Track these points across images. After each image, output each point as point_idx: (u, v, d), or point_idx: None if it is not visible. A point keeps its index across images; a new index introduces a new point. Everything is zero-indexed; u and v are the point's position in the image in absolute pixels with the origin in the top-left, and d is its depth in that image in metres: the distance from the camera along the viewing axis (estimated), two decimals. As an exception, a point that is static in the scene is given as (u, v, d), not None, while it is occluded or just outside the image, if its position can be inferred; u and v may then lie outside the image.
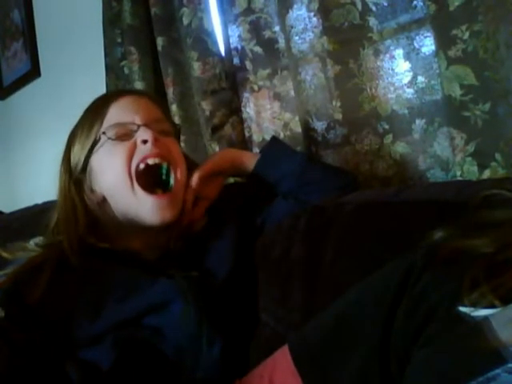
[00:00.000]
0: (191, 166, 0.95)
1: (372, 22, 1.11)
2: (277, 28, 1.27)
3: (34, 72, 2.10)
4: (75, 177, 0.88)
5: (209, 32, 1.35)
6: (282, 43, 1.26)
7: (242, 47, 1.34)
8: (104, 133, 0.85)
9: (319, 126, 1.20)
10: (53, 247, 0.84)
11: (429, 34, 1.03)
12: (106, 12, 1.54)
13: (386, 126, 1.12)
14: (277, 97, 1.31)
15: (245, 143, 1.38)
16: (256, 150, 1.37)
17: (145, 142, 0.84)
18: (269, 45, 1.30)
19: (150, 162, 0.84)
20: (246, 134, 1.38)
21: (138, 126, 0.85)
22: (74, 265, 0.80)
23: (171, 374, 0.77)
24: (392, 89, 1.10)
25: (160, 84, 1.46)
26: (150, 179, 0.85)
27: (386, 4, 1.09)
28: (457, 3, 0.93)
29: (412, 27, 1.06)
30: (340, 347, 0.59)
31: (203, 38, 1.34)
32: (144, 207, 0.84)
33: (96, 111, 0.87)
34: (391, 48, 1.10)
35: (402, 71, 1.09)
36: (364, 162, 1.15)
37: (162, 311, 0.79)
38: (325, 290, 0.81)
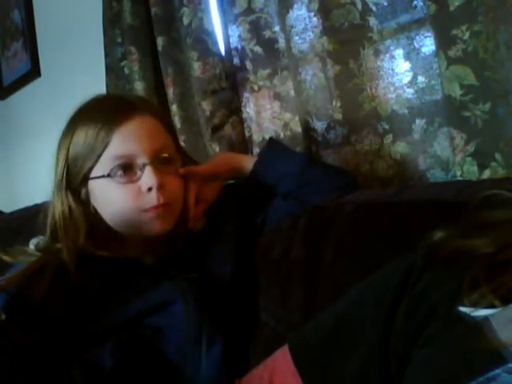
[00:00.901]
0: (192, 163, 0.96)
1: (372, 21, 1.11)
2: (277, 28, 1.27)
3: (34, 72, 2.10)
4: (74, 186, 0.86)
5: (209, 32, 1.35)
6: (282, 43, 1.26)
7: (242, 47, 1.34)
8: (109, 175, 0.83)
9: (319, 126, 1.20)
10: (52, 252, 0.84)
11: (429, 34, 1.03)
12: (106, 12, 1.54)
13: (386, 126, 1.12)
14: (277, 97, 1.31)
15: (245, 143, 1.38)
16: (256, 149, 1.37)
17: (150, 189, 0.83)
18: (269, 45, 1.30)
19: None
20: (246, 134, 1.38)
21: (144, 165, 0.83)
22: (72, 273, 0.80)
23: (172, 374, 0.77)
24: (392, 89, 1.10)
25: (160, 84, 1.46)
26: None
27: (386, 4, 1.09)
28: (457, 3, 0.93)
29: (412, 27, 1.06)
30: (340, 347, 0.59)
31: (203, 38, 1.34)
32: (142, 221, 0.84)
33: (99, 133, 0.83)
34: (391, 48, 1.10)
35: (402, 71, 1.09)
36: (364, 162, 1.15)
37: (163, 312, 0.79)
38: (325, 290, 0.81)
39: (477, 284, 0.50)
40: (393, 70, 1.10)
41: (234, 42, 1.35)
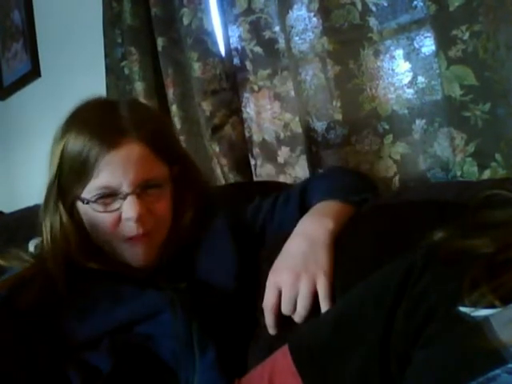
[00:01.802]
0: (192, 168, 0.95)
1: (372, 22, 1.11)
2: (277, 28, 1.27)
3: (34, 72, 2.10)
4: (67, 202, 0.85)
5: (209, 32, 1.35)
6: (282, 43, 1.26)
7: (242, 47, 1.34)
8: (88, 202, 0.82)
9: (319, 126, 1.20)
10: (43, 261, 0.84)
11: (429, 35, 1.03)
12: (107, 12, 1.54)
13: (386, 127, 1.12)
14: (277, 97, 1.31)
15: (245, 143, 1.38)
16: (256, 150, 1.37)
17: (128, 219, 0.82)
18: (269, 45, 1.30)
19: None
20: (247, 135, 1.38)
21: (126, 195, 0.81)
22: (61, 283, 0.81)
23: (168, 377, 0.77)
24: (392, 89, 1.10)
25: (160, 84, 1.46)
26: None
27: (386, 4, 1.09)
28: (457, 3, 0.93)
29: (412, 27, 1.06)
30: (340, 347, 0.59)
31: (203, 39, 1.34)
32: (123, 248, 0.85)
33: (89, 155, 0.81)
34: (391, 48, 1.10)
35: (402, 71, 1.09)
36: (364, 162, 1.15)
37: (152, 321, 0.80)
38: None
39: (477, 284, 0.50)
40: (393, 70, 1.10)
41: (234, 42, 1.35)
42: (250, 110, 1.37)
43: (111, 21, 1.53)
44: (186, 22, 1.36)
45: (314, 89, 1.18)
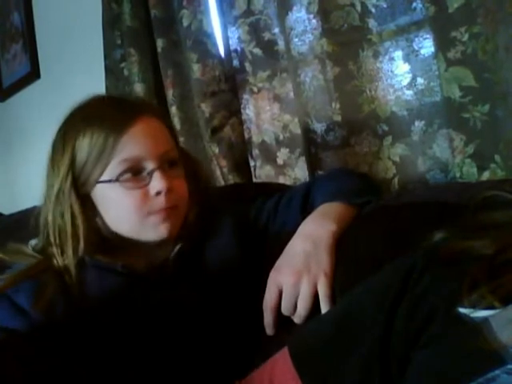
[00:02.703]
0: (192, 164, 0.95)
1: (371, 23, 1.11)
2: (276, 30, 1.27)
3: (33, 74, 2.10)
4: (80, 192, 0.85)
5: (208, 34, 1.35)
6: (281, 45, 1.26)
7: (242, 49, 1.34)
8: (117, 179, 0.82)
9: (319, 127, 1.20)
10: (50, 258, 0.84)
11: (428, 36, 1.03)
12: (106, 14, 1.54)
13: (386, 128, 1.12)
14: (276, 98, 1.31)
15: (244, 145, 1.38)
16: (256, 151, 1.37)
17: (158, 193, 0.83)
18: (268, 47, 1.30)
19: None
20: (246, 136, 1.38)
21: (152, 170, 0.82)
22: (73, 280, 0.81)
23: (173, 375, 0.77)
24: (391, 90, 1.10)
25: (160, 86, 1.46)
26: None
27: (385, 6, 1.09)
28: (456, 5, 0.94)
29: (411, 29, 1.07)
30: (340, 348, 0.59)
31: (203, 40, 1.34)
32: (147, 225, 0.84)
33: (107, 139, 0.82)
34: (390, 50, 1.10)
35: (401, 73, 1.09)
36: (363, 163, 1.15)
37: (159, 319, 0.80)
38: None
39: (476, 285, 0.50)
40: (392, 71, 1.10)
41: (234, 43, 1.36)
42: (249, 111, 1.37)
43: (111, 22, 1.53)
44: (185, 23, 1.36)
45: (313, 90, 1.18)
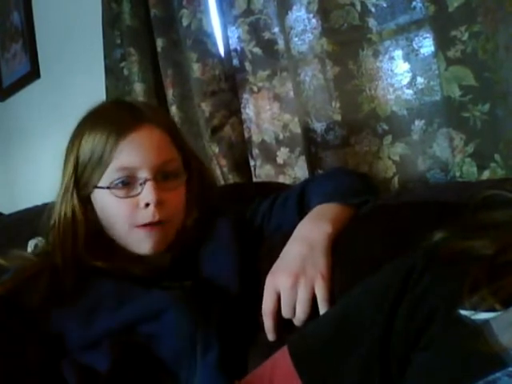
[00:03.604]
0: (200, 169, 0.95)
1: (371, 23, 1.11)
2: (276, 29, 1.27)
3: (33, 73, 2.10)
4: (81, 193, 0.86)
5: (208, 33, 1.35)
6: (281, 44, 1.26)
7: (242, 48, 1.34)
8: (109, 187, 0.83)
9: (319, 127, 1.20)
10: (49, 256, 0.85)
11: (428, 35, 1.03)
12: (106, 13, 1.54)
13: (386, 127, 1.12)
14: (276, 98, 1.31)
15: (244, 144, 1.38)
16: (256, 151, 1.37)
17: (147, 204, 0.83)
18: (268, 46, 1.30)
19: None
20: (246, 135, 1.38)
21: (145, 180, 0.82)
22: (65, 281, 0.81)
23: (168, 379, 0.77)
24: (391, 90, 1.10)
25: (160, 85, 1.46)
26: None
27: (385, 5, 1.09)
28: (456, 4, 0.93)
29: (411, 28, 1.07)
30: (340, 348, 0.59)
31: (203, 40, 1.34)
32: (132, 238, 0.85)
33: (107, 142, 0.83)
34: (390, 49, 1.10)
35: (401, 72, 1.09)
36: (363, 163, 1.15)
37: (156, 320, 0.79)
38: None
39: (477, 287, 0.50)
40: (392, 71, 1.10)
41: (234, 43, 1.36)
42: (249, 110, 1.37)
43: (110, 22, 1.53)
44: (185, 22, 1.36)
45: (313, 89, 1.18)
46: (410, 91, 1.08)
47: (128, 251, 0.87)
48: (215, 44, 1.35)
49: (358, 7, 1.11)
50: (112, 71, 1.56)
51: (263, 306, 0.78)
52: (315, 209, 0.87)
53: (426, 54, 1.05)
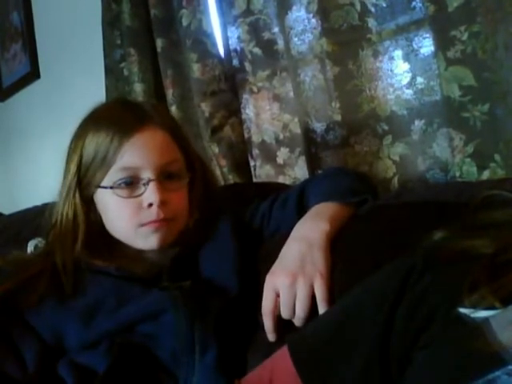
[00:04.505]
0: (203, 171, 0.95)
1: (371, 23, 1.11)
2: (276, 29, 1.27)
3: (33, 74, 2.10)
4: (84, 193, 0.87)
5: (208, 33, 1.35)
6: (281, 44, 1.26)
7: (242, 48, 1.34)
8: (112, 187, 0.84)
9: (318, 127, 1.20)
10: (49, 258, 0.85)
11: (428, 35, 1.03)
12: (106, 14, 1.54)
13: (386, 127, 1.12)
14: (276, 98, 1.31)
15: (244, 144, 1.38)
16: (255, 151, 1.37)
17: (150, 204, 0.83)
18: (268, 46, 1.30)
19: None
20: (246, 136, 1.38)
21: (148, 180, 0.83)
22: (65, 281, 0.81)
23: (167, 380, 0.77)
24: (391, 90, 1.10)
25: (159, 85, 1.46)
26: None
27: (384, 5, 1.09)
28: (455, 4, 0.94)
29: (411, 28, 1.07)
30: (340, 348, 0.59)
31: (202, 40, 1.35)
32: (138, 236, 0.85)
33: (111, 142, 0.83)
34: (390, 49, 1.10)
35: (401, 72, 1.09)
36: (363, 163, 1.15)
37: (155, 321, 0.79)
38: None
39: (477, 285, 0.50)
40: (392, 71, 1.10)
41: (233, 43, 1.36)
42: (249, 110, 1.37)
43: (110, 22, 1.53)
44: (185, 23, 1.36)
45: (313, 90, 1.18)
46: (409, 91, 1.08)
47: (128, 251, 0.87)
48: (215, 44, 1.36)
49: (358, 7, 1.11)
50: (112, 71, 1.56)
51: (263, 306, 0.78)
52: (313, 208, 0.87)
53: (425, 54, 1.05)
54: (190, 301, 0.81)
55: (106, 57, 1.57)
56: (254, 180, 1.38)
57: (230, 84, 1.36)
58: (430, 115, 1.06)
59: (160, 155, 0.85)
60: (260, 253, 0.91)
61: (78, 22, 1.84)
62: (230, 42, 1.36)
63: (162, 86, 1.45)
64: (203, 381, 0.76)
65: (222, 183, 1.36)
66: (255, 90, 1.35)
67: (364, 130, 1.14)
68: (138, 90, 1.46)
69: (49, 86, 2.06)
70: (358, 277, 0.65)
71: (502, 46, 0.90)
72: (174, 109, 1.42)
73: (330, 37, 1.15)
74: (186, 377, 0.76)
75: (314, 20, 1.16)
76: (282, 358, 0.64)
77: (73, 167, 0.87)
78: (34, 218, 0.92)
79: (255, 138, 1.37)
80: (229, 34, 1.36)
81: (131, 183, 0.84)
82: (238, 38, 1.34)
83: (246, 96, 1.37)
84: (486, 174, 0.96)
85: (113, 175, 0.84)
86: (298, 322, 0.76)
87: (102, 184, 0.84)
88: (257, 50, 1.32)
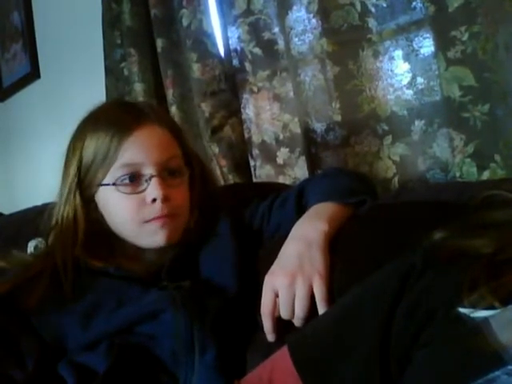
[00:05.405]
0: (202, 170, 0.96)
1: (371, 23, 1.11)
2: (276, 29, 1.27)
3: (33, 74, 2.10)
4: (85, 192, 0.87)
5: (208, 33, 1.35)
6: (281, 44, 1.26)
7: (242, 49, 1.34)
8: (115, 184, 0.84)
9: (319, 127, 1.20)
10: (49, 257, 0.85)
11: (428, 36, 1.03)
12: (106, 14, 1.54)
13: (386, 127, 1.12)
14: (276, 98, 1.31)
15: (244, 144, 1.38)
16: (256, 151, 1.37)
17: (154, 200, 0.83)
18: (268, 46, 1.30)
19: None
20: (246, 136, 1.38)
21: (150, 177, 0.83)
22: (64, 282, 0.81)
23: (166, 379, 0.77)
24: (391, 90, 1.11)
25: (159, 85, 1.46)
26: None
27: (385, 5, 1.09)
28: (456, 4, 0.94)
29: (411, 28, 1.07)
30: (340, 348, 0.59)
31: (203, 40, 1.35)
32: (144, 232, 0.85)
33: (111, 140, 0.84)
34: (390, 49, 1.10)
35: (401, 72, 1.09)
36: (363, 163, 1.15)
37: (154, 321, 0.80)
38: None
39: (477, 285, 0.50)
40: (392, 71, 1.10)
41: (234, 43, 1.36)
42: (249, 111, 1.37)
43: (111, 22, 1.53)
44: (185, 23, 1.36)
45: (313, 90, 1.18)
46: (410, 91, 1.08)
47: (128, 250, 0.87)
48: (215, 44, 1.36)
49: (358, 7, 1.11)
50: (112, 71, 1.56)
51: (262, 307, 0.78)
52: (312, 208, 0.87)
53: (425, 55, 1.05)
54: (189, 301, 0.81)
55: (106, 57, 1.57)
56: (254, 180, 1.38)
57: (230, 84, 1.36)
58: (430, 115, 1.06)
59: (160, 151, 0.85)
60: (260, 252, 0.91)
61: (78, 22, 1.84)
62: (230, 42, 1.36)
63: (162, 86, 1.45)
64: (203, 381, 0.76)
65: (222, 183, 1.36)
66: (255, 90, 1.35)
67: (364, 130, 1.14)
68: (138, 89, 1.46)
69: (49, 86, 2.06)
70: (357, 276, 0.64)
71: (502, 47, 0.90)
72: (174, 109, 1.42)
73: (330, 37, 1.15)
74: (186, 377, 0.77)
75: (314, 20, 1.16)
76: (282, 358, 0.64)
77: (72, 169, 0.87)
78: (34, 218, 0.92)
79: (255, 138, 1.37)
80: (229, 34, 1.36)
81: (133, 180, 0.84)
82: (238, 38, 1.34)
83: (246, 96, 1.37)
84: (486, 174, 0.96)
85: (115, 172, 0.84)
86: (297, 322, 0.76)
87: (104, 182, 0.85)
88: (257, 50, 1.32)
